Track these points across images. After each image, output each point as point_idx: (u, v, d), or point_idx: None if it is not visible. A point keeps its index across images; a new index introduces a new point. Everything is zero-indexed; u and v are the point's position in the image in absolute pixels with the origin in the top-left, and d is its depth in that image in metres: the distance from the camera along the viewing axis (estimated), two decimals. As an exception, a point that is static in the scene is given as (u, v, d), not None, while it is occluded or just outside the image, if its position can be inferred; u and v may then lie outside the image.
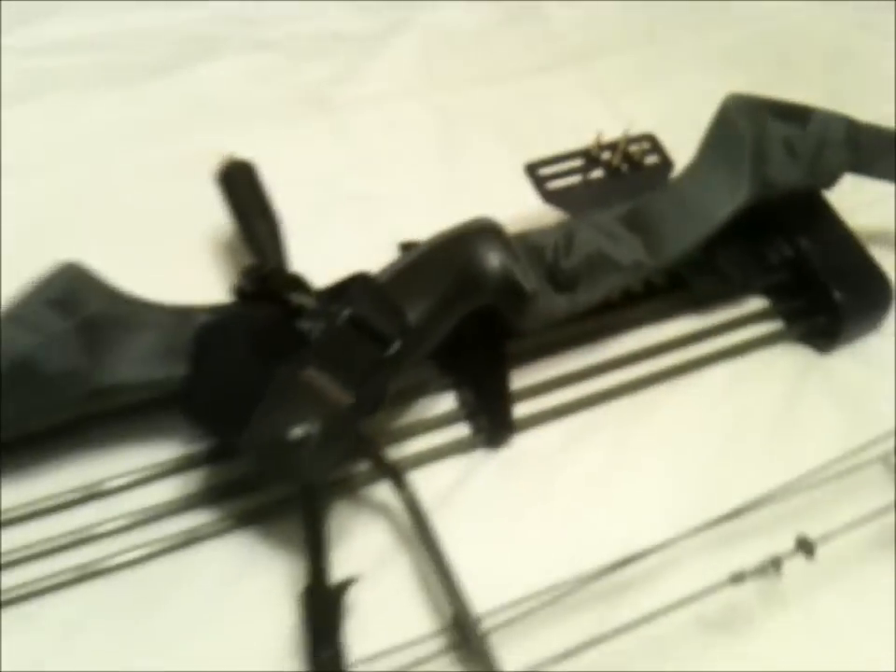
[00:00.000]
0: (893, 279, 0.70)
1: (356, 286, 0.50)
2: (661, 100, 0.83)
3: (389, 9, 0.87)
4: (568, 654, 0.48)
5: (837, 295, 0.66)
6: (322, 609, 0.45)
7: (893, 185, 0.71)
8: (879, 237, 0.74)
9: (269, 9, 0.84)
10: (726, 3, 0.97)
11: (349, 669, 0.44)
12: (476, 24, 0.88)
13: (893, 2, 0.98)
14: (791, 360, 0.68)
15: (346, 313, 0.48)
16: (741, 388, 0.65)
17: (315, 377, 0.45)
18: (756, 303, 0.70)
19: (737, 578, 0.48)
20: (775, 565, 0.49)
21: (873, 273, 0.69)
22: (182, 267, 0.62)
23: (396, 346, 0.48)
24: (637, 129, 0.70)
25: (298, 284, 0.51)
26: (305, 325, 0.48)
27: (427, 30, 0.86)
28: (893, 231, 0.76)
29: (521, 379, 0.62)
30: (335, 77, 0.81)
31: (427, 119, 0.79)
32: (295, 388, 0.45)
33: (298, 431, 0.44)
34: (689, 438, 0.62)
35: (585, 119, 0.74)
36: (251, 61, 0.81)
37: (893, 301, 0.69)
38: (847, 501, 0.55)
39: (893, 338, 0.70)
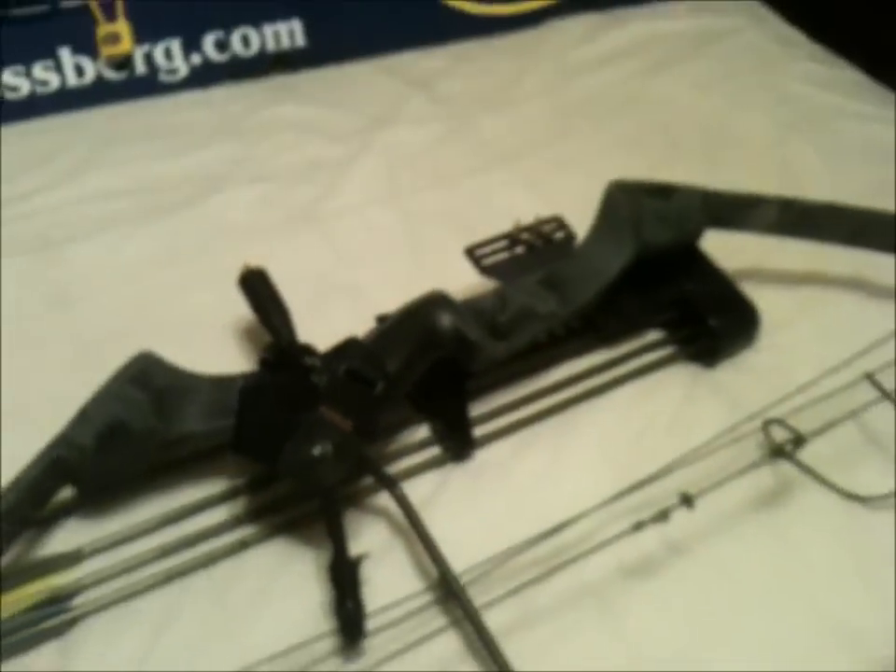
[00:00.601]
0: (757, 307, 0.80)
1: (348, 347, 0.63)
2: (572, 185, 0.91)
3: (355, 136, 1.00)
4: (523, 597, 0.60)
5: (712, 321, 0.77)
6: (343, 575, 0.57)
7: (753, 235, 0.81)
8: (747, 274, 0.84)
9: (258, 148, 0.97)
10: (619, 97, 1.10)
11: (366, 617, 0.56)
12: (425, 140, 1.01)
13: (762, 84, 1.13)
14: (683, 376, 0.77)
15: (343, 367, 0.61)
16: (646, 400, 0.75)
17: (326, 413, 0.58)
18: (654, 335, 0.80)
19: (638, 526, 0.60)
20: (664, 514, 0.60)
21: (741, 303, 0.80)
22: (219, 349, 0.74)
23: (380, 387, 0.61)
24: (554, 210, 0.81)
25: (307, 350, 0.63)
26: (315, 378, 0.61)
27: (386, 149, 0.99)
28: (756, 269, 0.86)
29: (477, 408, 0.73)
30: (319, 195, 0.93)
31: (393, 219, 0.91)
32: (312, 422, 0.58)
33: (317, 450, 0.57)
34: (606, 441, 0.72)
35: (514, 206, 0.86)
36: (251, 190, 0.93)
37: (760, 323, 0.79)
38: (727, 470, 0.64)
39: (764, 351, 0.79)
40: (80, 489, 0.62)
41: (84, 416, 0.59)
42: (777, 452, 0.66)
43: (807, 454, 0.69)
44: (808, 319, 0.84)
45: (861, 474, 0.70)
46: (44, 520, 0.64)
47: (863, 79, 1.22)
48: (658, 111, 1.09)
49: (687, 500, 0.62)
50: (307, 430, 0.58)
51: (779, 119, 1.08)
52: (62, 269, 0.82)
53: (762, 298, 0.82)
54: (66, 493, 0.64)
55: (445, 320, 0.67)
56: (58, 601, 0.60)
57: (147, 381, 0.61)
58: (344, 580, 0.57)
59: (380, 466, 0.64)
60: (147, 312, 0.77)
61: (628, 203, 0.75)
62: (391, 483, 0.62)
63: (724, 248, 0.82)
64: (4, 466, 0.60)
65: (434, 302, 0.68)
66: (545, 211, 0.82)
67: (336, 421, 0.58)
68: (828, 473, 0.70)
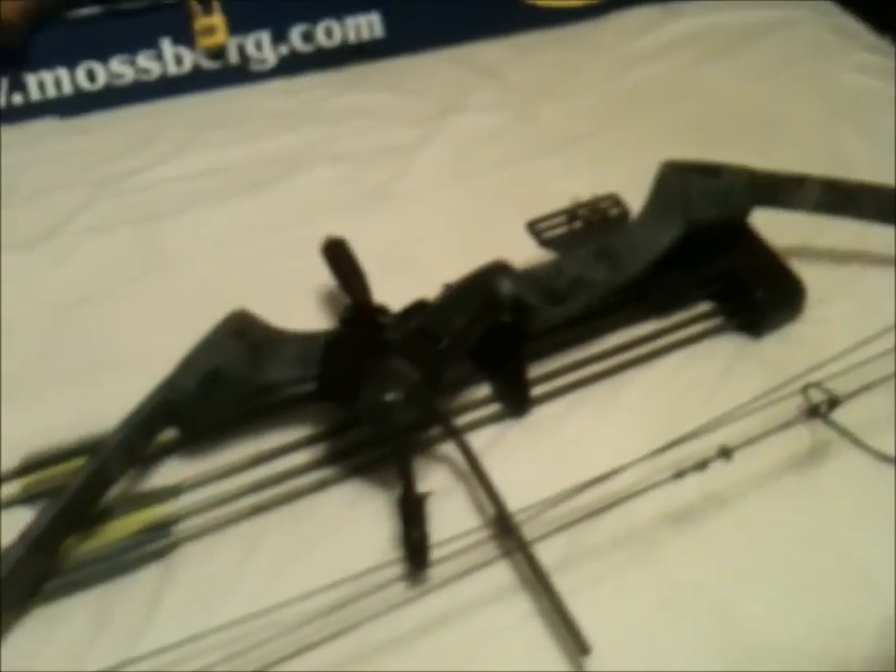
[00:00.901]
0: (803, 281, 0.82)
1: (418, 307, 0.68)
2: (626, 168, 0.91)
3: (427, 121, 1.04)
4: (572, 537, 0.63)
5: (758, 294, 0.79)
6: (411, 508, 0.61)
7: (802, 214, 0.83)
8: (794, 252, 0.85)
9: (339, 131, 1.02)
10: (675, 85, 1.12)
11: (430, 544, 0.60)
12: (490, 126, 1.04)
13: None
14: (729, 345, 0.79)
15: (414, 324, 0.66)
16: (691, 367, 0.78)
17: (397, 364, 0.63)
18: (702, 307, 0.82)
19: (679, 474, 0.63)
20: (703, 464, 0.63)
21: (788, 277, 0.81)
22: (303, 311, 0.79)
23: (445, 342, 0.66)
24: (608, 190, 0.86)
25: (381, 310, 0.69)
26: (388, 335, 0.66)
27: (453, 135, 1.03)
28: (803, 248, 0.87)
29: (534, 370, 0.76)
30: (392, 175, 0.97)
31: (459, 198, 0.95)
32: (385, 372, 0.63)
33: (389, 396, 0.61)
34: (652, 402, 0.75)
35: (571, 187, 0.90)
36: (331, 169, 0.98)
37: (805, 297, 0.81)
38: (766, 429, 0.67)
39: (807, 323, 0.81)
40: (182, 429, 0.68)
41: (188, 364, 0.65)
42: (813, 412, 0.69)
43: (843, 418, 0.71)
44: (851, 295, 0.85)
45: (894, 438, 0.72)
46: (149, 458, 0.70)
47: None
48: (712, 99, 1.10)
49: (725, 453, 0.65)
50: (380, 379, 0.63)
51: (831, 107, 1.09)
52: (165, 237, 0.88)
53: (807, 274, 0.84)
54: (169, 435, 0.70)
55: (505, 286, 0.70)
56: (160, 528, 0.65)
57: (242, 334, 0.67)
58: (412, 512, 0.62)
59: (446, 415, 0.69)
60: (239, 276, 0.82)
61: (678, 181, 0.78)
62: (454, 431, 0.67)
63: (773, 227, 0.84)
64: (115, 408, 0.65)
65: (496, 270, 0.72)
66: (600, 191, 0.86)
67: (405, 371, 0.63)
68: (862, 436, 0.72)
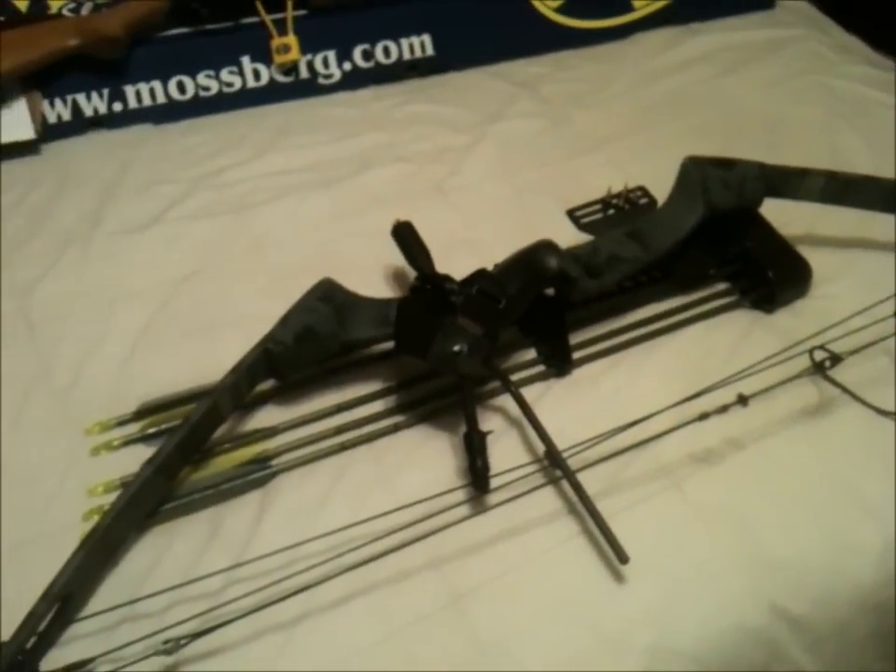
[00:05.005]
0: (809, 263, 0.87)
1: (478, 275, 0.75)
2: (651, 165, 0.98)
3: (474, 127, 1.09)
4: (611, 473, 0.70)
5: (771, 273, 0.85)
6: (474, 441, 0.68)
7: (810, 204, 0.88)
8: (802, 239, 0.91)
9: (398, 136, 1.08)
10: (693, 95, 1.17)
11: (491, 474, 0.67)
12: (530, 131, 1.10)
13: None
14: (744, 318, 0.85)
15: (475, 287, 0.72)
16: (711, 336, 0.83)
17: (462, 321, 0.70)
18: (721, 285, 0.88)
19: (703, 416, 0.70)
20: (724, 408, 0.70)
21: (796, 259, 0.87)
22: (374, 286, 0.84)
23: (503, 304, 0.72)
24: (635, 183, 0.93)
25: (446, 278, 0.75)
26: (453, 298, 0.72)
27: (499, 138, 1.08)
28: (810, 234, 0.92)
29: (575, 337, 0.82)
30: (446, 173, 1.02)
31: (505, 192, 1.00)
32: (452, 327, 0.70)
33: (456, 347, 0.68)
34: (676, 363, 0.81)
35: (603, 182, 0.96)
36: (393, 168, 1.03)
37: (811, 276, 0.87)
38: (778, 381, 0.73)
39: (814, 300, 0.87)
40: (279, 378, 0.75)
41: (285, 321, 0.72)
42: (818, 367, 0.76)
43: (848, 378, 0.78)
44: (853, 275, 0.90)
45: (892, 396, 0.78)
46: (251, 404, 0.77)
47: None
48: (726, 106, 1.15)
49: (743, 400, 0.72)
50: (448, 333, 0.70)
51: (832, 112, 1.14)
52: (254, 224, 0.95)
53: (813, 257, 0.89)
54: (267, 385, 0.77)
55: (552, 260, 0.77)
56: (260, 462, 0.73)
57: (329, 298, 0.73)
58: (475, 444, 0.68)
59: (501, 370, 0.76)
60: (318, 257, 0.88)
61: (699, 172, 0.83)
62: (508, 382, 0.73)
63: (783, 216, 0.90)
64: (222, 362, 0.72)
65: (544, 246, 0.78)
66: (630, 186, 0.92)
67: (469, 326, 0.70)
68: (864, 394, 0.78)
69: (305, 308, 0.73)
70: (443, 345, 0.69)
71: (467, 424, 0.70)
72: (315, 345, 0.73)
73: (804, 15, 1.39)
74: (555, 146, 1.08)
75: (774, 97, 1.18)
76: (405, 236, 0.82)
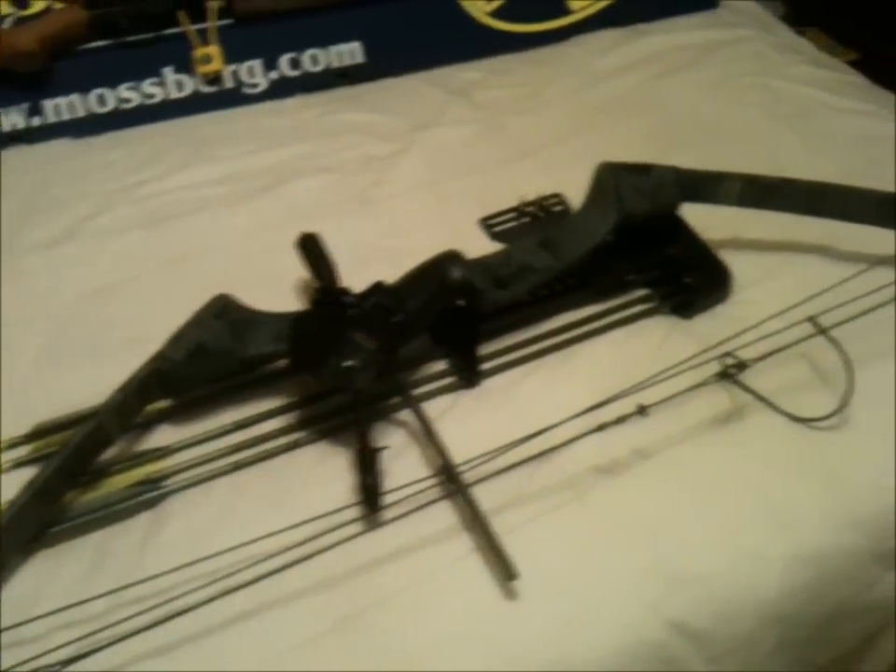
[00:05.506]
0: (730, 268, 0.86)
1: (376, 288, 0.74)
2: (585, 172, 0.90)
3: (403, 136, 1.10)
4: (512, 486, 0.69)
5: (688, 279, 0.85)
6: (366, 458, 0.67)
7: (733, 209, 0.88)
8: (727, 243, 0.92)
9: (324, 146, 1.08)
10: (634, 98, 1.17)
11: (387, 490, 0.66)
12: (461, 139, 1.10)
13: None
14: (663, 325, 0.85)
15: (371, 300, 0.72)
16: (629, 343, 0.83)
17: (356, 336, 0.70)
18: (641, 292, 0.88)
19: (601, 427, 0.69)
20: (622, 419, 0.69)
21: (715, 264, 0.87)
22: (289, 298, 0.85)
23: (399, 317, 0.72)
24: (566, 191, 0.91)
25: (344, 291, 0.75)
26: (350, 311, 0.72)
27: (428, 146, 1.08)
28: (735, 239, 0.93)
29: (490, 347, 0.82)
30: (371, 183, 1.03)
31: (429, 201, 1.00)
32: (345, 342, 0.69)
33: (349, 362, 0.68)
34: (593, 371, 0.80)
35: (533, 190, 0.96)
36: (317, 179, 1.04)
37: (731, 282, 0.86)
38: (682, 390, 0.72)
39: (735, 305, 0.86)
40: (172, 397, 0.75)
41: (177, 339, 0.72)
42: (723, 375, 0.75)
43: (764, 385, 0.77)
44: (775, 279, 0.90)
45: (807, 402, 0.77)
46: (145, 424, 0.76)
47: (863, 82, 1.27)
48: (667, 110, 1.16)
49: (642, 409, 0.71)
50: (341, 348, 0.70)
51: (771, 114, 1.14)
52: (171, 239, 0.95)
53: (738, 261, 0.89)
54: (162, 405, 0.76)
55: (455, 271, 0.77)
56: (152, 482, 0.72)
57: (224, 314, 0.74)
58: (366, 462, 0.68)
59: (402, 383, 0.76)
60: (235, 271, 0.89)
61: (612, 178, 0.83)
62: (408, 395, 0.74)
63: (709, 221, 0.90)
64: None
65: (447, 258, 0.78)
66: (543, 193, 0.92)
67: (363, 341, 0.70)
68: (781, 401, 0.77)
69: (198, 324, 0.73)
70: (336, 361, 0.69)
71: (358, 441, 0.70)
72: (208, 363, 0.73)
73: (749, 15, 1.40)
74: (486, 153, 1.09)
75: (715, 99, 1.19)
76: (310, 249, 0.82)
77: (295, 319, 0.74)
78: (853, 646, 0.77)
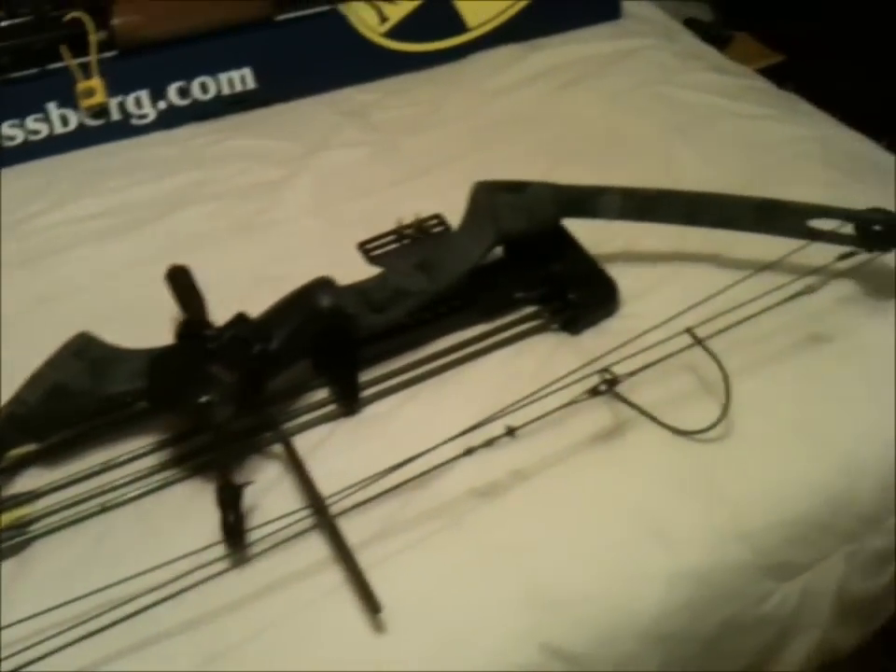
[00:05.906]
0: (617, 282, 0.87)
1: (237, 320, 0.74)
2: None
3: (295, 160, 1.09)
4: (385, 515, 0.69)
5: (571, 295, 0.85)
6: (227, 495, 0.66)
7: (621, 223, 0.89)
8: (617, 256, 0.92)
9: (214, 174, 1.08)
10: (531, 113, 1.17)
11: (246, 529, 0.66)
12: (353, 161, 1.10)
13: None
14: (550, 341, 0.85)
15: (230, 333, 0.72)
16: (514, 361, 0.83)
17: (215, 369, 0.69)
18: (528, 309, 0.88)
19: (469, 451, 0.68)
20: (490, 442, 0.69)
21: (601, 279, 0.88)
22: (160, 330, 0.79)
23: (258, 347, 0.71)
24: (458, 212, 0.88)
25: (206, 324, 0.74)
26: (211, 345, 0.71)
27: (319, 169, 1.08)
28: (625, 252, 0.93)
29: (371, 372, 0.82)
30: (259, 209, 1.02)
31: (318, 226, 1.00)
32: (205, 376, 0.69)
33: (205, 398, 0.68)
34: (477, 391, 0.79)
35: (423, 211, 0.96)
36: (205, 207, 1.03)
37: (618, 296, 0.87)
38: (563, 409, 0.72)
39: (623, 318, 0.86)
40: (34, 440, 0.74)
41: (33, 381, 0.71)
42: (595, 391, 0.75)
43: (645, 398, 0.77)
44: (664, 290, 0.90)
45: (690, 414, 0.77)
46: (9, 469, 0.75)
47: (767, 86, 1.29)
48: (564, 123, 1.16)
49: (510, 431, 0.71)
50: (199, 383, 0.69)
51: (667, 124, 1.15)
52: (54, 274, 0.94)
53: (628, 274, 0.90)
54: (27, 449, 0.75)
55: (324, 298, 0.76)
56: (16, 528, 0.71)
57: (84, 352, 0.72)
58: (227, 499, 0.67)
59: (271, 416, 0.75)
60: (113, 305, 0.89)
61: (488, 197, 0.84)
62: (276, 426, 0.74)
63: (601, 235, 0.91)
64: None
65: (317, 285, 0.78)
66: (450, 213, 0.91)
67: (221, 374, 0.69)
68: (666, 414, 0.77)
69: (55, 365, 0.72)
70: (193, 396, 0.69)
71: (218, 478, 0.69)
72: (66, 404, 0.72)
73: (655, 24, 1.41)
74: (379, 175, 1.08)
75: (613, 111, 1.19)
76: (178, 281, 0.82)
77: (153, 356, 0.73)
78: (752, 661, 0.77)
